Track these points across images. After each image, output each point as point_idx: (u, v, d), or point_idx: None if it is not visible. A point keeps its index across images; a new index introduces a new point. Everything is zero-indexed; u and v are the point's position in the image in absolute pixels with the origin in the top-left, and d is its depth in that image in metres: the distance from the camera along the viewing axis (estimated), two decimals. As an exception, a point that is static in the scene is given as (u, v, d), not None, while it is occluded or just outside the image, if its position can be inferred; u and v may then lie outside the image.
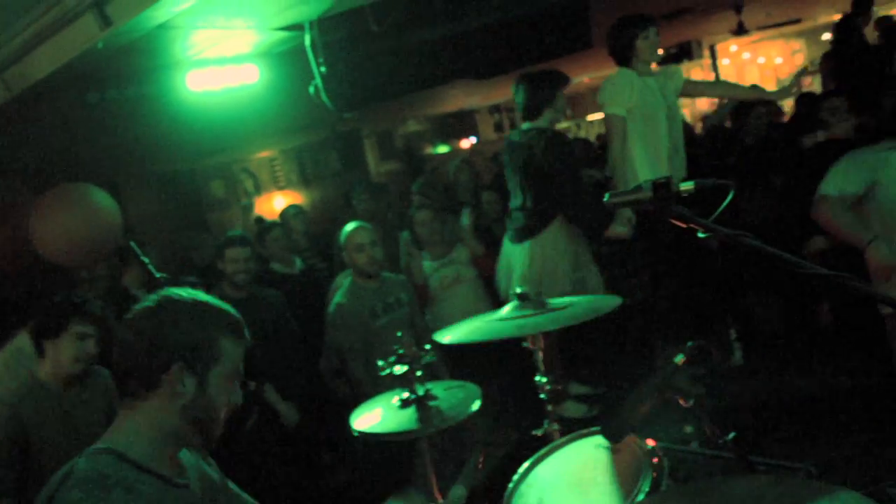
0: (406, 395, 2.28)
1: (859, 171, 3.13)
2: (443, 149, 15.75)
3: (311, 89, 4.54)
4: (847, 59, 6.36)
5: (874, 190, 3.11)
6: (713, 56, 14.13)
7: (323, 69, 4.36)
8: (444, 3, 4.86)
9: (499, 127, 16.33)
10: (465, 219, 4.61)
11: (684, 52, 12.08)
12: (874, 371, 3.50)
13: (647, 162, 3.80)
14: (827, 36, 10.50)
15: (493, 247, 4.43)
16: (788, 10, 10.51)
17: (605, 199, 1.33)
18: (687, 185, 1.28)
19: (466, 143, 16.13)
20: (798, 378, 3.83)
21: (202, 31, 4.16)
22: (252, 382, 3.73)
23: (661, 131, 3.80)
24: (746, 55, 16.17)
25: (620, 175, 3.82)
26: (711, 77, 14.76)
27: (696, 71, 16.60)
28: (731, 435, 1.77)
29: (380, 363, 2.31)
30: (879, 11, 12.21)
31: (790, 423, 3.40)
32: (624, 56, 3.84)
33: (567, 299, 2.17)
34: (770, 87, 15.52)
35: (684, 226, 1.26)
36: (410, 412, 2.21)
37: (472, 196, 5.33)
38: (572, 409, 3.93)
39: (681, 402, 1.76)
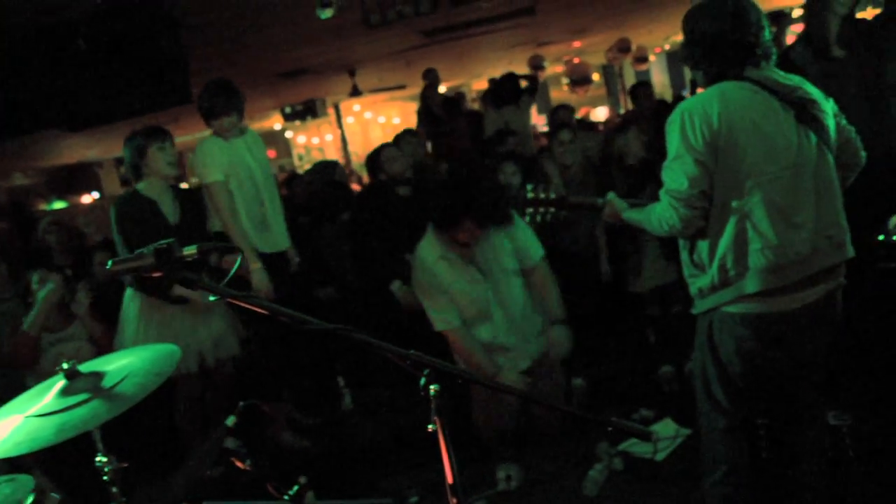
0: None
1: (438, 293, 3.41)
2: (59, 204, 14.24)
3: None
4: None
5: None
6: (338, 114, 15.00)
7: None
8: (36, 52, 4.46)
9: (125, 181, 15.22)
10: (82, 295, 3.72)
11: (309, 110, 12.62)
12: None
13: (251, 223, 3.84)
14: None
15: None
16: (397, 76, 11.64)
17: (108, 266, 1.28)
18: (190, 250, 1.30)
19: (88, 198, 14.78)
20: (401, 417, 4.13)
21: None
22: None
23: (253, 191, 3.85)
24: (368, 114, 17.54)
25: (233, 239, 3.73)
26: (338, 133, 15.70)
27: (325, 127, 17.52)
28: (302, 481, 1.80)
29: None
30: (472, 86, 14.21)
31: (400, 457, 3.62)
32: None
33: (125, 362, 1.90)
34: (391, 144, 17.01)
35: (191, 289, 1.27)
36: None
37: (69, 259, 4.83)
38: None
39: (237, 464, 1.75)
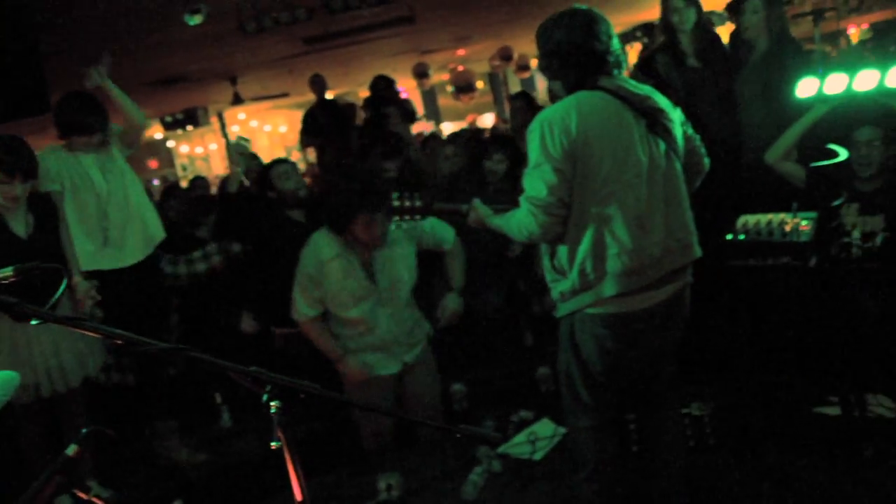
0: None
1: (314, 287, 3.35)
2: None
3: None
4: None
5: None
6: (222, 123, 14.59)
7: None
8: None
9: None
10: None
11: (190, 119, 12.20)
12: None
13: (89, 238, 3.66)
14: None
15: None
16: (280, 84, 11.44)
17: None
18: (5, 272, 1.22)
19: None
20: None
21: None
22: None
23: (94, 206, 3.67)
24: (254, 123, 17.16)
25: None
26: (223, 142, 15.26)
27: (209, 136, 17.01)
28: None
29: None
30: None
31: (280, 474, 3.54)
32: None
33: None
34: (279, 152, 16.73)
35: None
36: None
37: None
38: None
39: (80, 495, 1.65)
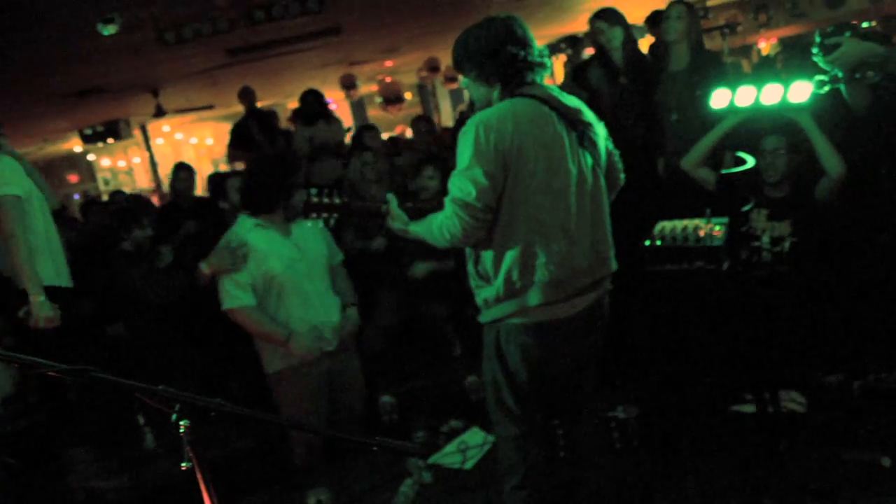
0: None
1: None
2: None
3: None
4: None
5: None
6: (145, 135, 14.17)
7: None
8: None
9: None
10: None
11: (111, 131, 11.81)
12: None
13: (46, 249, 3.52)
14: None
15: None
16: (204, 96, 11.21)
17: None
18: None
19: None
20: (210, 452, 3.95)
21: None
22: None
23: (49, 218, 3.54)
24: (179, 135, 16.74)
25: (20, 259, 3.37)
26: (146, 155, 14.83)
27: (133, 149, 16.50)
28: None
29: None
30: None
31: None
32: None
33: None
34: (206, 166, 16.36)
35: None
36: None
37: None
38: None
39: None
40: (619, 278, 2.51)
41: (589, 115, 2.38)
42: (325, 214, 2.61)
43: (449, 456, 3.45)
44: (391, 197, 2.54)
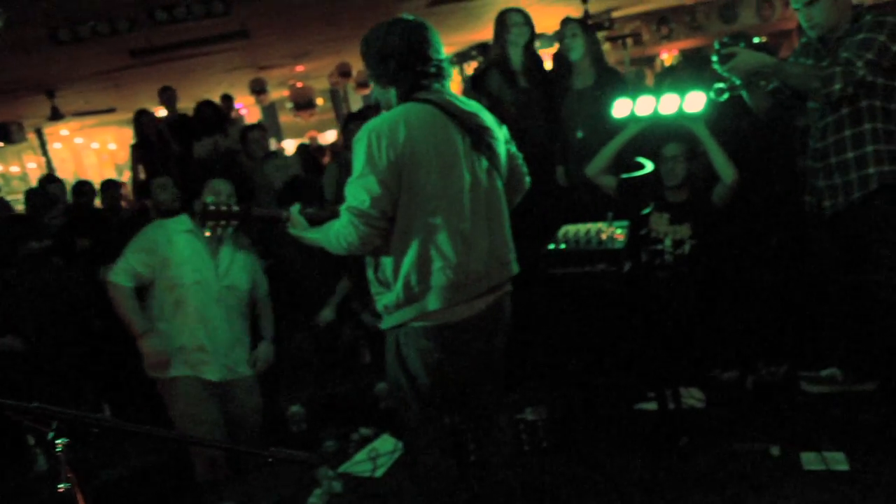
0: None
1: (150, 254, 3.20)
2: None
3: None
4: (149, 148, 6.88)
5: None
6: (41, 139, 13.45)
7: None
8: None
9: None
10: None
11: (2, 134, 11.15)
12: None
13: None
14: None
15: None
16: (105, 98, 10.76)
17: None
18: None
19: None
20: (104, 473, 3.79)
21: None
22: None
23: None
24: (79, 140, 15.98)
25: None
26: (42, 161, 14.07)
27: (29, 155, 15.63)
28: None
29: None
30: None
31: None
32: None
33: None
34: (109, 171, 15.67)
35: None
36: None
37: None
38: None
39: None
40: (525, 281, 2.54)
41: (487, 118, 2.39)
42: (223, 222, 2.54)
43: (359, 464, 3.41)
44: (294, 209, 2.52)
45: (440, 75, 2.31)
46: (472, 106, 2.38)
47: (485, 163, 2.33)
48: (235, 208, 2.55)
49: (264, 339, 3.53)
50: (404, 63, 2.26)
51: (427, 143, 2.21)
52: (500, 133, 2.43)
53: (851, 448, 2.87)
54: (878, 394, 3.19)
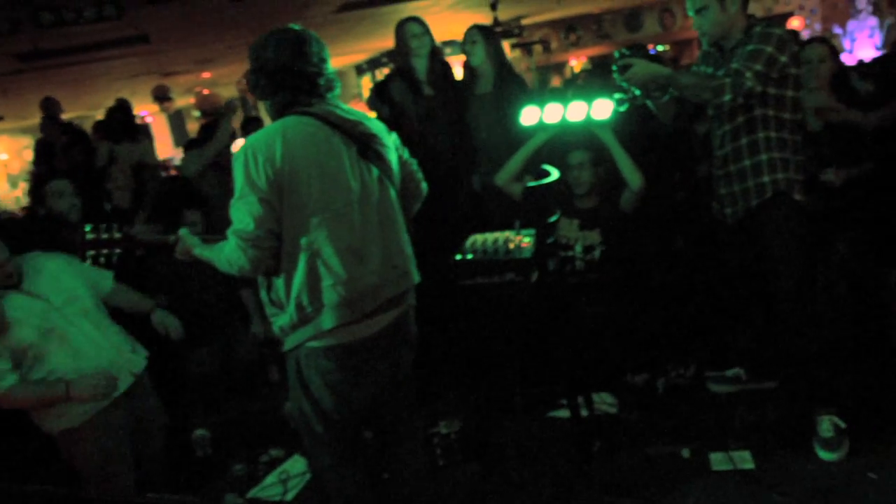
0: None
1: None
2: None
3: None
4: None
5: None
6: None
7: None
8: None
9: None
10: None
11: None
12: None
13: None
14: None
15: None
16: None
17: None
18: None
19: None
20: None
21: None
22: None
23: None
24: (-32, 150, 15.02)
25: None
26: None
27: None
28: None
29: None
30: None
31: None
32: None
33: None
34: (2, 185, 14.80)
35: None
36: None
37: None
38: None
39: None
40: (436, 292, 2.49)
41: (374, 125, 2.32)
42: (104, 251, 2.38)
43: (269, 487, 3.28)
44: (184, 231, 2.41)
45: (319, 89, 2.23)
46: (356, 114, 2.31)
47: (375, 171, 2.26)
48: (117, 235, 2.40)
49: (152, 311, 3.14)
50: (277, 78, 2.19)
51: (307, 156, 2.14)
52: (390, 140, 2.37)
53: (757, 445, 2.94)
54: (779, 391, 3.29)
